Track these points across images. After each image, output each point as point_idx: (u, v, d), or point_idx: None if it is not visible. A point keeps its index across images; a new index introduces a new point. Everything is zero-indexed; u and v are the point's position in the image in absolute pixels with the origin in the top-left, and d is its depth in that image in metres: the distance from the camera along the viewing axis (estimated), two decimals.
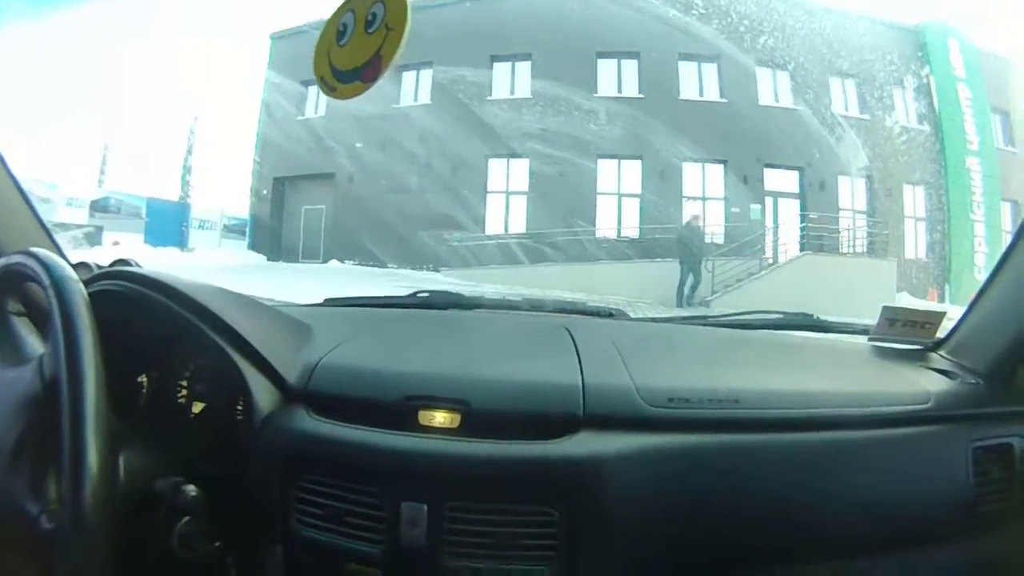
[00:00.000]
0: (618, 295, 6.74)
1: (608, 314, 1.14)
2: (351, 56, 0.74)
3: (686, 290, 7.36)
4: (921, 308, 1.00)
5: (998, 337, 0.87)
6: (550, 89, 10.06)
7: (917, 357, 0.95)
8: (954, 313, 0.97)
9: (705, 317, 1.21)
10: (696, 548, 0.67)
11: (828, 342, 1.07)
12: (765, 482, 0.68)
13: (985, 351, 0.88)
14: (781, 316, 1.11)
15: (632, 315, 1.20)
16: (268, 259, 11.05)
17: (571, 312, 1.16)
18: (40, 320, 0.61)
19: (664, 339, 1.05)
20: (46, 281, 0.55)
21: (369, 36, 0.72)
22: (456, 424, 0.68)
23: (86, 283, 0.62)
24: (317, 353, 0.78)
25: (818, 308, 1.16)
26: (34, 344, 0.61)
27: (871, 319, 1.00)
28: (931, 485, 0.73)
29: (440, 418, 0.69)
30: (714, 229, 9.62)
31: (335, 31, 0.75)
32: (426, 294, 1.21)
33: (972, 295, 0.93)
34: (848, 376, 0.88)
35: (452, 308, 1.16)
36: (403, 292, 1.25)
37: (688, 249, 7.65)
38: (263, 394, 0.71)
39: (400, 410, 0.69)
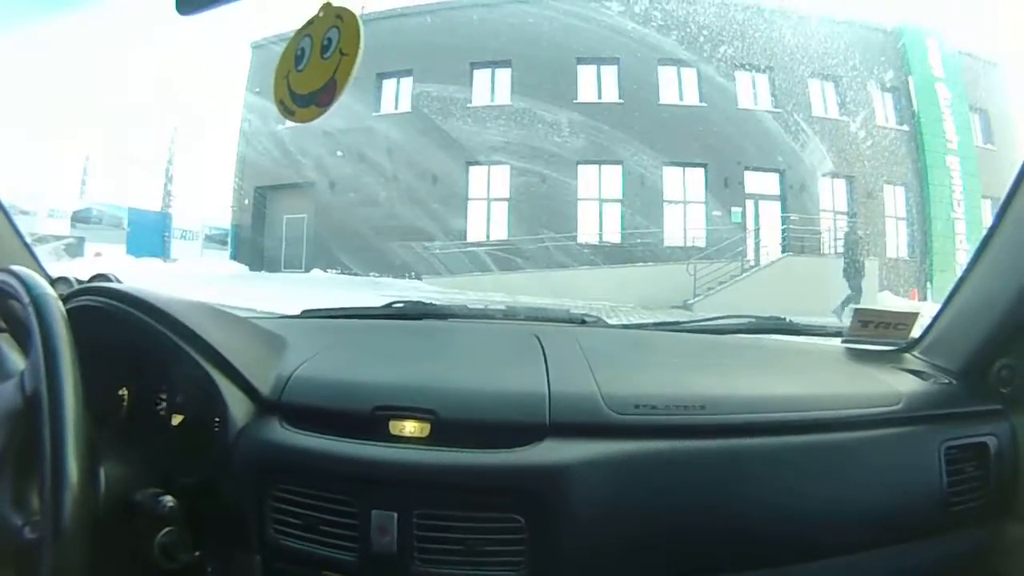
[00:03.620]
0: (600, 300, 6.77)
1: (580, 321, 1.14)
2: (308, 81, 0.75)
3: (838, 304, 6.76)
4: (894, 309, 0.99)
5: (970, 335, 0.86)
6: (530, 96, 10.08)
7: (890, 358, 0.94)
8: (933, 312, 0.96)
9: (678, 323, 1.20)
10: (663, 554, 0.67)
11: (800, 345, 1.07)
12: (733, 487, 0.68)
13: (958, 350, 0.88)
14: (754, 320, 1.11)
15: (609, 321, 1.21)
16: (250, 269, 10.98)
17: (543, 320, 1.16)
18: (21, 336, 0.63)
19: (634, 346, 1.05)
20: (25, 298, 0.57)
21: (324, 61, 0.74)
22: (425, 433, 0.69)
23: (65, 299, 0.64)
24: (291, 365, 0.78)
25: (800, 309, 1.15)
26: (15, 360, 0.63)
27: (847, 323, 0.99)
28: (902, 486, 0.73)
29: (410, 428, 0.70)
30: (695, 233, 9.69)
31: (293, 55, 0.77)
32: (401, 305, 1.22)
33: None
34: (819, 379, 0.88)
35: (426, 318, 1.16)
36: (383, 301, 1.25)
37: (848, 260, 7.58)
38: (238, 406, 0.72)
39: (370, 420, 0.70)
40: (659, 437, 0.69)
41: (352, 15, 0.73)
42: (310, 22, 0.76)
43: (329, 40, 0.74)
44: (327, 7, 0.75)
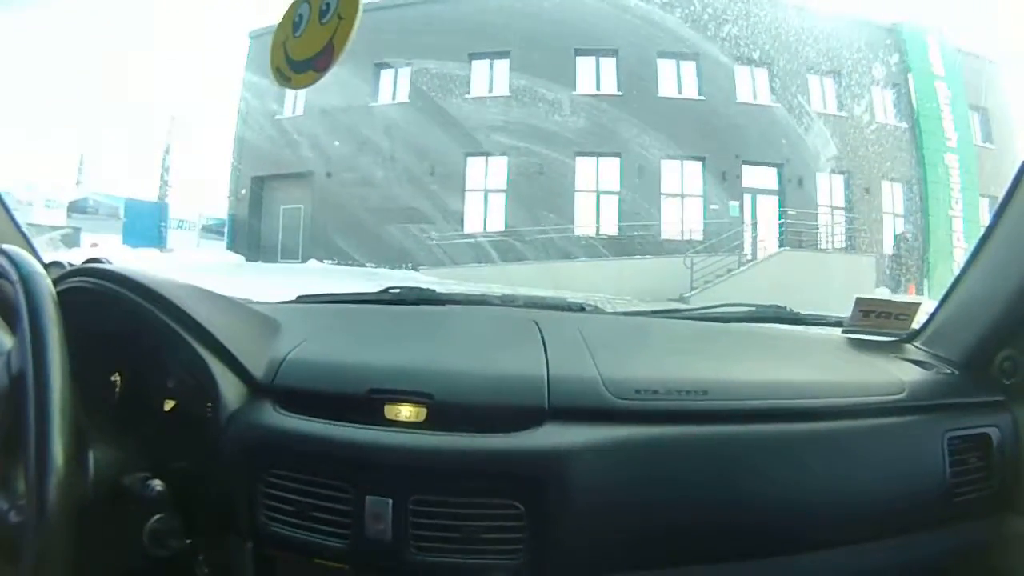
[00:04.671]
0: (597, 292, 6.76)
1: (579, 308, 1.13)
2: (305, 46, 0.75)
3: None
4: (896, 299, 0.99)
5: (973, 327, 0.86)
6: (528, 87, 10.11)
7: (892, 348, 0.94)
8: (930, 306, 0.96)
9: (678, 311, 1.20)
10: (663, 541, 0.66)
11: (801, 334, 1.07)
12: (735, 473, 0.67)
13: (960, 341, 0.87)
14: (754, 309, 1.10)
15: (607, 310, 1.19)
16: (247, 259, 10.99)
17: (541, 307, 1.15)
18: (9, 316, 0.62)
19: (634, 332, 1.04)
20: (14, 276, 0.56)
21: (322, 26, 0.74)
22: (422, 417, 0.68)
23: (57, 280, 0.63)
24: (285, 348, 0.77)
25: (797, 304, 1.15)
26: (2, 340, 0.62)
27: (847, 314, 0.99)
28: (906, 475, 0.72)
29: (405, 411, 0.68)
30: (692, 226, 9.69)
31: (291, 22, 0.78)
32: (397, 290, 1.20)
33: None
34: (820, 367, 0.87)
35: (423, 303, 1.15)
36: (378, 290, 1.23)
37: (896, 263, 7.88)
38: (230, 389, 0.70)
39: (365, 404, 0.68)
40: (660, 422, 0.68)
41: None
42: None
43: (327, 5, 0.73)
44: None
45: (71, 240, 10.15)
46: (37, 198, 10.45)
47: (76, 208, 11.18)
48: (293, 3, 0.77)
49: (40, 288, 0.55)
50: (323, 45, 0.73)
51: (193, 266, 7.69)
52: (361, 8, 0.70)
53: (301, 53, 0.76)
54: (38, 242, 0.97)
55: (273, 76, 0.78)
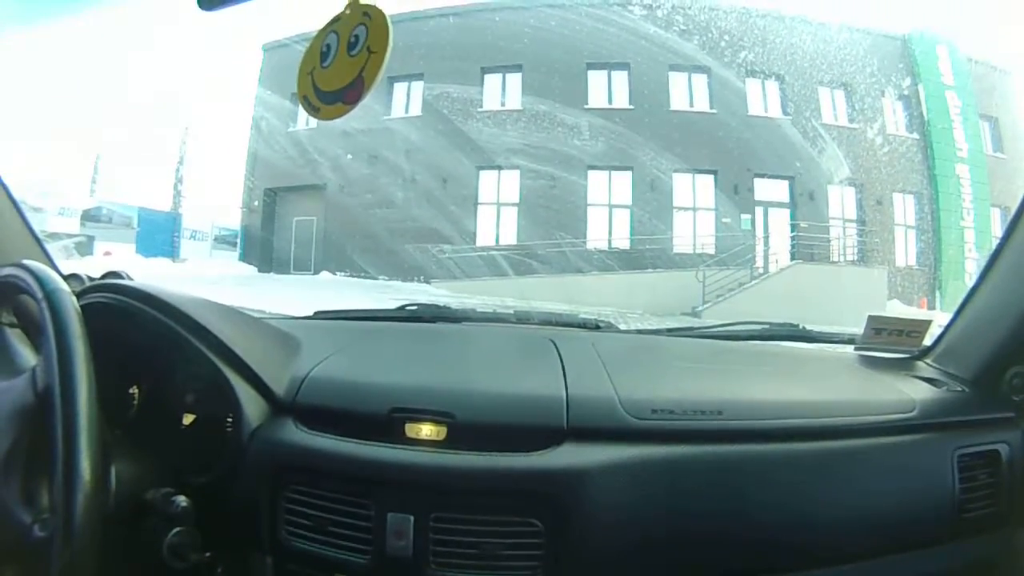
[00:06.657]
0: (609, 306, 6.76)
1: (595, 326, 1.14)
2: (334, 78, 0.74)
3: None
4: (908, 316, 0.99)
5: (983, 344, 0.87)
6: (541, 100, 10.12)
7: (903, 366, 0.95)
8: (943, 320, 0.97)
9: (691, 328, 1.21)
10: (680, 559, 0.67)
11: (814, 352, 1.07)
12: (750, 492, 0.68)
13: (971, 358, 0.88)
14: (767, 326, 1.11)
15: (620, 327, 1.21)
16: (259, 270, 11.04)
17: (557, 324, 1.16)
18: (33, 332, 0.62)
19: (649, 351, 1.06)
20: (39, 294, 0.56)
21: (352, 58, 0.72)
22: (442, 436, 0.69)
23: (78, 295, 0.63)
24: (305, 366, 0.78)
25: (809, 317, 1.16)
26: (27, 355, 0.61)
27: (860, 328, 1.00)
28: (916, 492, 0.73)
29: (426, 430, 0.69)
30: (704, 239, 9.67)
31: (319, 52, 0.76)
32: (414, 307, 1.22)
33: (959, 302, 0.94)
34: (834, 386, 0.88)
35: (439, 321, 1.16)
36: (393, 304, 1.25)
37: None
38: (252, 406, 0.71)
39: (387, 423, 0.70)
40: (676, 442, 0.69)
41: (380, 12, 0.71)
42: (336, 19, 0.75)
43: (356, 37, 0.72)
44: (354, 4, 0.73)
45: (84, 248, 10.18)
46: (51, 206, 10.48)
47: (89, 216, 11.18)
48: (320, 33, 0.75)
49: (66, 305, 0.55)
50: (353, 78, 0.71)
51: (206, 277, 7.74)
52: (391, 42, 0.69)
53: (330, 84, 0.74)
54: (52, 249, 0.96)
55: (301, 105, 0.77)
